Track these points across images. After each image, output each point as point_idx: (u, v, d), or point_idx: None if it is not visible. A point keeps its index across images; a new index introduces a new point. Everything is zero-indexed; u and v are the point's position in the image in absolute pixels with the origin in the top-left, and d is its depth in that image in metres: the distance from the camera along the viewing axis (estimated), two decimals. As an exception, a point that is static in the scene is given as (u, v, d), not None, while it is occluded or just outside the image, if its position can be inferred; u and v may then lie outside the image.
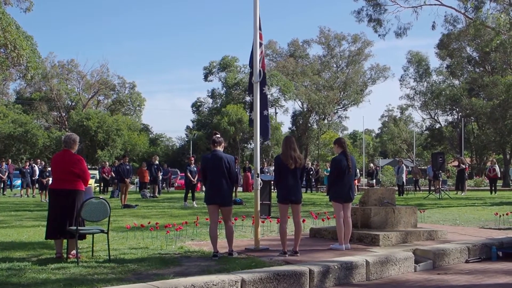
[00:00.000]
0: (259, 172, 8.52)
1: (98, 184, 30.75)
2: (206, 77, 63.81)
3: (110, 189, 28.00)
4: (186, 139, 66.16)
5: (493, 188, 25.92)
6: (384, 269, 7.55)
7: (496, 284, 7.10)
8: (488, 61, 52.55)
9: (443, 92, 61.26)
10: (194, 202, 18.44)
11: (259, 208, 8.50)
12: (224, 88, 62.07)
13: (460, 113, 59.23)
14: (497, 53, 33.70)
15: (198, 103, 64.20)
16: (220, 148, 7.99)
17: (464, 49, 55.03)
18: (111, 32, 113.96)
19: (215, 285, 5.97)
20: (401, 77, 65.33)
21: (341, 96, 67.31)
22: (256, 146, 8.60)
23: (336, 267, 7.05)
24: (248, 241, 9.26)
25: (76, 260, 7.45)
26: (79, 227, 7.47)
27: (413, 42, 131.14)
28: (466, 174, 28.01)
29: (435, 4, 34.19)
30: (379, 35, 34.76)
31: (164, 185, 31.74)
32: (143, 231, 10.02)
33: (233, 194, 20.69)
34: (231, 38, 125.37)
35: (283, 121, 79.02)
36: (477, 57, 55.45)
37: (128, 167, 18.27)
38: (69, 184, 7.59)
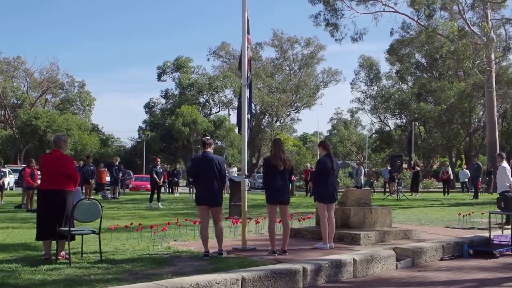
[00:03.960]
0: (246, 173, 8.69)
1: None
2: (159, 77, 63.25)
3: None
4: (138, 140, 65.52)
5: (446, 189, 26.91)
6: (369, 266, 7.86)
7: (474, 280, 7.53)
8: (436, 67, 54.39)
9: (392, 96, 62.84)
10: (160, 204, 18.40)
11: (246, 209, 8.67)
12: (177, 88, 61.69)
13: (409, 117, 60.88)
14: (451, 60, 34.94)
15: (151, 104, 63.58)
16: (210, 150, 8.12)
17: (413, 55, 56.64)
18: (61, 30, 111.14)
19: (218, 283, 6.12)
20: (353, 80, 66.62)
21: (293, 98, 68.00)
22: (244, 147, 8.77)
23: (327, 265, 7.30)
24: (232, 241, 9.39)
25: (66, 261, 7.44)
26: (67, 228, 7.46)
27: (364, 46, 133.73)
28: (421, 176, 28.98)
29: (389, 11, 35.17)
30: (335, 40, 35.45)
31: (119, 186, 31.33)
32: (121, 232, 9.97)
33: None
34: (184, 39, 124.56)
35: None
36: (425, 63, 57.17)
37: (92, 167, 18.08)
38: (59, 185, 7.55)
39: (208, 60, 78.57)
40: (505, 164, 12.69)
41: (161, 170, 18.75)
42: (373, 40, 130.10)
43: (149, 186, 37.28)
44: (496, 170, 23.21)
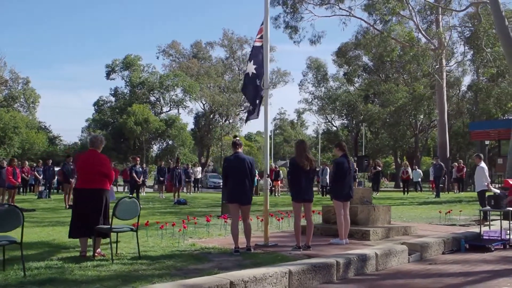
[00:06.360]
0: (268, 172, 9.09)
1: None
2: (108, 75, 62.29)
3: (28, 190, 27.20)
4: (82, 138, 64.51)
5: (405, 189, 28.12)
6: (387, 260, 8.43)
7: (486, 271, 8.22)
8: (383, 70, 56.23)
9: (340, 98, 64.38)
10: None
11: (268, 207, 9.06)
12: (128, 87, 60.98)
13: (356, 119, 62.49)
14: (411, 64, 36.42)
15: (101, 102, 62.49)
16: (240, 150, 8.48)
17: (361, 58, 58.25)
18: (6, 27, 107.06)
19: (271, 276, 6.54)
20: (301, 82, 67.77)
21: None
22: (266, 147, 9.15)
23: (355, 259, 7.82)
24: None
25: (103, 257, 7.66)
26: (108, 226, 7.66)
27: (312, 47, 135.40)
28: (381, 176, 30.16)
29: (346, 15, 36.36)
30: (294, 42, 36.33)
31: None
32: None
33: (176, 195, 21.01)
34: (132, 37, 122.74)
35: (187, 121, 77.31)
36: (372, 66, 58.83)
37: (72, 167, 17.89)
38: (97, 184, 7.73)
39: (158, 58, 78.05)
40: (483, 164, 13.63)
41: (140, 169, 18.81)
42: (325, 43, 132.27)
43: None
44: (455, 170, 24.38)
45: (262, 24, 9.21)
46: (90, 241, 7.95)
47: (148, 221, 10.16)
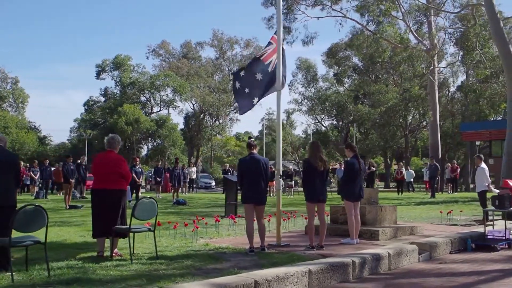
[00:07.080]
0: (281, 173, 9.19)
1: None
2: (98, 75, 62.12)
3: (23, 190, 27.04)
4: (70, 138, 64.29)
5: (399, 189, 28.39)
6: (399, 259, 8.56)
7: (496, 270, 8.37)
8: (373, 70, 56.54)
9: (329, 98, 64.58)
10: (138, 203, 18.45)
11: (281, 208, 9.16)
12: (118, 87, 60.84)
13: (346, 119, 62.74)
14: (404, 65, 36.76)
15: (91, 102, 62.30)
16: (255, 151, 8.57)
17: (351, 58, 58.59)
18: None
19: (292, 275, 6.64)
20: (290, 82, 67.82)
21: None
22: (278, 148, 9.25)
23: (369, 258, 7.94)
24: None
25: (120, 257, 7.73)
26: (126, 226, 7.72)
27: (304, 48, 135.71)
28: (375, 176, 30.40)
29: (338, 16, 36.65)
30: (287, 43, 36.57)
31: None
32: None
33: (175, 195, 21.04)
34: (120, 37, 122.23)
35: (178, 121, 76.88)
36: (361, 66, 59.14)
37: (72, 167, 17.89)
38: (114, 184, 7.77)
39: (148, 58, 78.00)
40: (483, 165, 13.83)
41: (140, 169, 18.82)
42: (315, 43, 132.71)
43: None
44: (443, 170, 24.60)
45: (275, 32, 9.37)
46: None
47: (159, 221, 10.19)
